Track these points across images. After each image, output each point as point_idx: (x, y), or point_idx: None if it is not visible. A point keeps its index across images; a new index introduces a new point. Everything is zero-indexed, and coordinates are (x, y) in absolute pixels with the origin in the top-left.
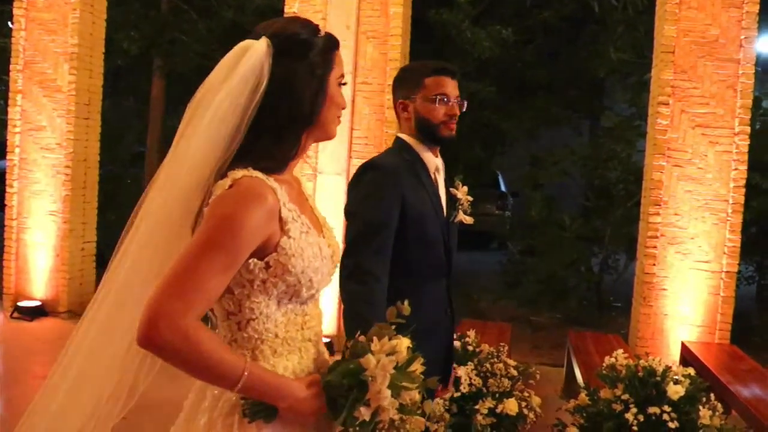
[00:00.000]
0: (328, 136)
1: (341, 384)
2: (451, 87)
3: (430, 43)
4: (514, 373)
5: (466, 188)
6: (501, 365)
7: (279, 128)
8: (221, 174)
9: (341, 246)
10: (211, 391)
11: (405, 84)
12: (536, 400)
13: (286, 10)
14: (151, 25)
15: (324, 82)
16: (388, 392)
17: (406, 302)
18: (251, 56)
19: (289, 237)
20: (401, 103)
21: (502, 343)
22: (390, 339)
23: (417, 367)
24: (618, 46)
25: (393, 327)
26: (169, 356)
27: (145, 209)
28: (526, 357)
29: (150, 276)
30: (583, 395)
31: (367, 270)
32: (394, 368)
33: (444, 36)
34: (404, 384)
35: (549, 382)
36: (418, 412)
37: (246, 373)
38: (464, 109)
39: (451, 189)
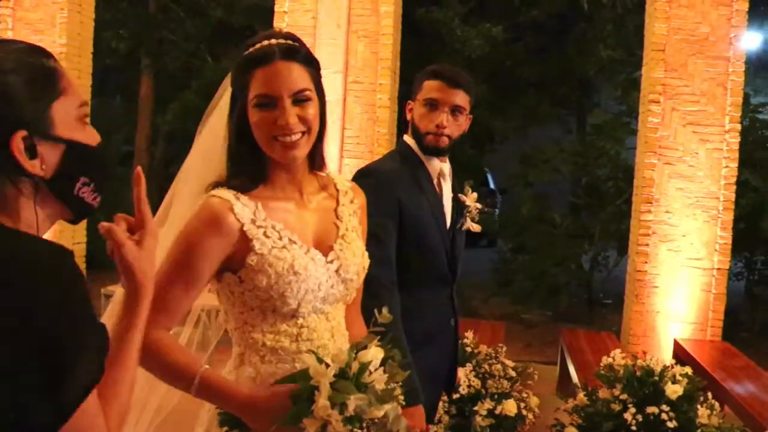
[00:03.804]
0: (278, 160)
1: (299, 394)
2: (448, 95)
3: (420, 42)
4: (513, 374)
5: (475, 195)
6: (499, 366)
7: (229, 147)
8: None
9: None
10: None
11: (414, 84)
12: (534, 401)
13: (276, 9)
14: (139, 24)
15: (243, 103)
16: (327, 403)
17: (384, 310)
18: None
19: (256, 253)
20: (408, 104)
21: (500, 344)
22: (368, 348)
23: (379, 378)
24: (607, 43)
25: (377, 336)
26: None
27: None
28: (519, 355)
29: None
30: (581, 395)
31: (378, 282)
32: (341, 377)
33: (434, 34)
34: (348, 394)
35: (543, 380)
36: (393, 429)
37: (198, 377)
38: (462, 125)
39: (459, 195)
